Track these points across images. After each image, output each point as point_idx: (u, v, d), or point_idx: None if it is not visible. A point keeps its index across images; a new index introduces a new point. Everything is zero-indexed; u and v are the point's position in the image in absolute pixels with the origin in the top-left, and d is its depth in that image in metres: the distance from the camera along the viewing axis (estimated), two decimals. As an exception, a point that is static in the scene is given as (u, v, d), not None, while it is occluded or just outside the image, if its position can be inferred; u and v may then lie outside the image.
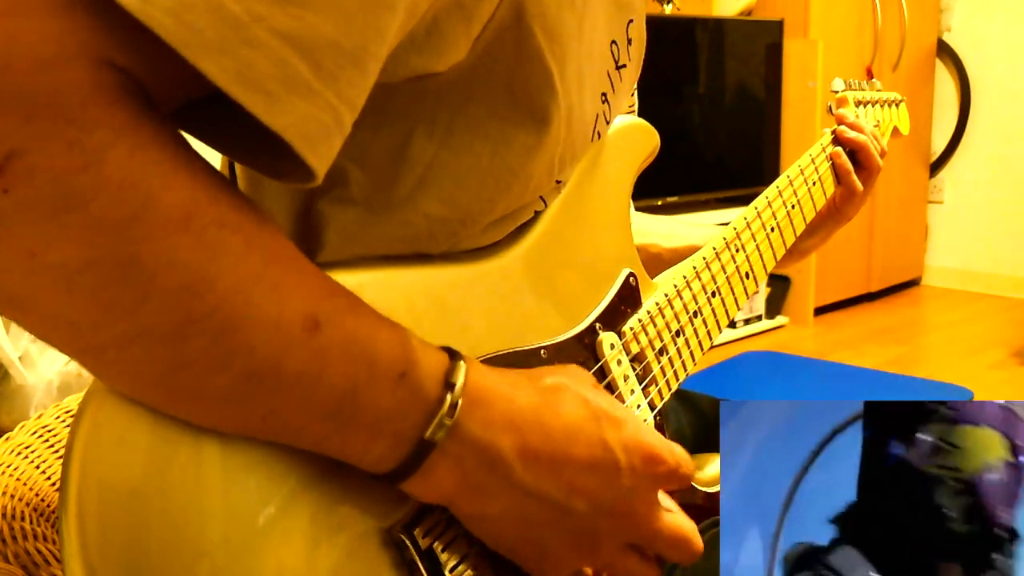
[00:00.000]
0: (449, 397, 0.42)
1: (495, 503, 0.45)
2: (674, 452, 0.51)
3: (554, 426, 0.46)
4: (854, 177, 0.88)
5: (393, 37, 0.40)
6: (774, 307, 3.35)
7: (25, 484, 0.72)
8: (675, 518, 0.52)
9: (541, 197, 0.58)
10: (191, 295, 0.35)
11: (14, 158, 0.31)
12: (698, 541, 0.52)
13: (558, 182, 0.58)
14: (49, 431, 0.78)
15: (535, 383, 0.48)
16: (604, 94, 0.60)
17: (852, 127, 0.90)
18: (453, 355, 0.44)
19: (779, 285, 3.35)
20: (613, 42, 0.60)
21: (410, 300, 0.46)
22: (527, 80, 0.49)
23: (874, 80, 1.04)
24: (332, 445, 0.41)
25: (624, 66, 0.62)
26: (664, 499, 0.52)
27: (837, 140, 0.89)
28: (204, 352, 0.36)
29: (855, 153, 0.90)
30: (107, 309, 0.34)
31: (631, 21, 0.62)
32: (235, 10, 0.33)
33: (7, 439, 0.77)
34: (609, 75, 0.60)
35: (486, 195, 0.52)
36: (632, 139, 0.67)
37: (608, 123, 0.62)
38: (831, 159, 0.88)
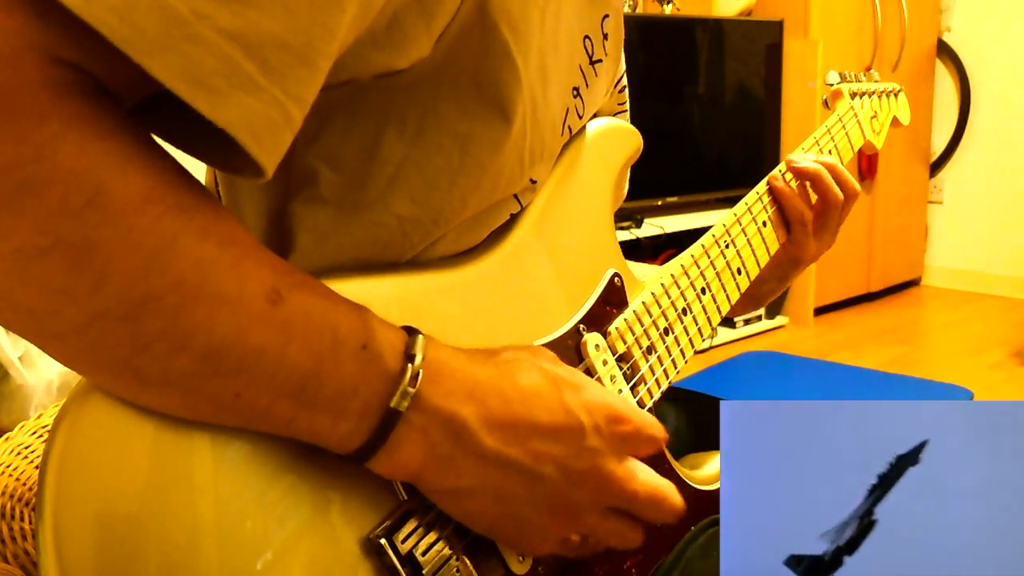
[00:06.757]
0: (410, 368, 0.43)
1: (464, 476, 0.46)
2: (637, 412, 0.51)
3: (513, 394, 0.47)
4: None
5: (345, 34, 0.40)
6: (774, 307, 3.35)
7: (25, 484, 0.73)
8: (651, 477, 0.51)
9: (516, 197, 0.58)
10: (147, 275, 0.36)
11: None
12: (677, 499, 0.52)
13: (532, 181, 0.58)
14: (49, 431, 0.79)
15: (492, 357, 0.49)
16: (576, 88, 0.60)
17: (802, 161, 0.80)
18: (411, 331, 0.45)
19: (779, 285, 3.35)
20: (586, 37, 0.60)
21: (385, 308, 0.46)
22: (495, 75, 0.50)
23: (872, 71, 1.03)
24: (300, 425, 0.42)
25: (600, 61, 0.62)
26: (638, 462, 0.52)
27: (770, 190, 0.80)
28: (163, 332, 0.37)
29: (813, 184, 0.81)
30: (64, 293, 0.35)
31: (606, 16, 0.62)
32: (179, 9, 0.34)
33: (7, 439, 0.78)
34: (582, 69, 0.60)
35: (457, 193, 0.52)
36: (613, 140, 0.67)
37: (581, 117, 0.62)
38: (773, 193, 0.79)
